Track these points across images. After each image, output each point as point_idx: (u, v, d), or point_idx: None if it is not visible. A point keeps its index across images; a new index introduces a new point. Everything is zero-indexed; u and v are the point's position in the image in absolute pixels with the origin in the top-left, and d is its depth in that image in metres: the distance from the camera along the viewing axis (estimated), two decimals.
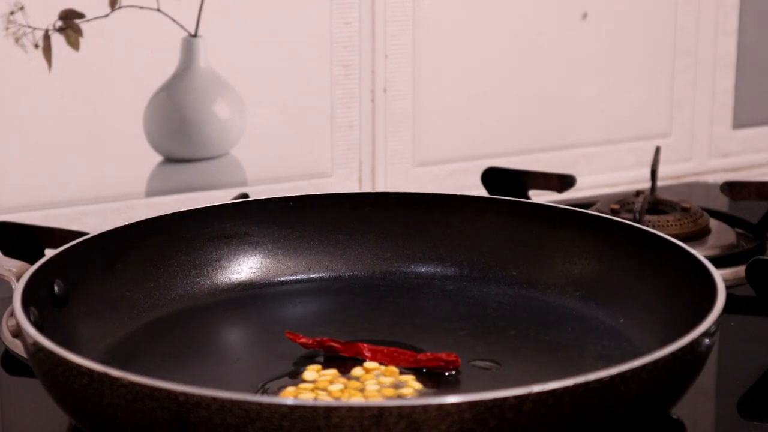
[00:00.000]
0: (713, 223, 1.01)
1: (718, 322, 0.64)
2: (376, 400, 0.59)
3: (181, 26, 1.03)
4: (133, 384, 0.56)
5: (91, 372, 0.58)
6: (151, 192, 1.04)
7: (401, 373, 0.70)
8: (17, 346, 0.77)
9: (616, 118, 1.22)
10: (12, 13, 0.97)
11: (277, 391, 0.68)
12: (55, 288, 0.72)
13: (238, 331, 0.81)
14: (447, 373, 0.70)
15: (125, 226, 0.80)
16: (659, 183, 1.06)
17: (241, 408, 0.54)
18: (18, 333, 0.66)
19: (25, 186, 1.00)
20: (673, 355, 0.60)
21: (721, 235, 1.00)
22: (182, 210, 0.84)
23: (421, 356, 0.71)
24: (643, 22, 1.21)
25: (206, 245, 0.83)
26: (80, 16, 0.99)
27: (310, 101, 1.09)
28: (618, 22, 1.20)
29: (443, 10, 1.12)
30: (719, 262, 0.84)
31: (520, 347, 0.75)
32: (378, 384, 0.68)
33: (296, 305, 0.84)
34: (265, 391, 0.68)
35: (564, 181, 1.05)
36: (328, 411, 0.54)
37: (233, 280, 0.84)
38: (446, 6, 1.12)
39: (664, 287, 0.75)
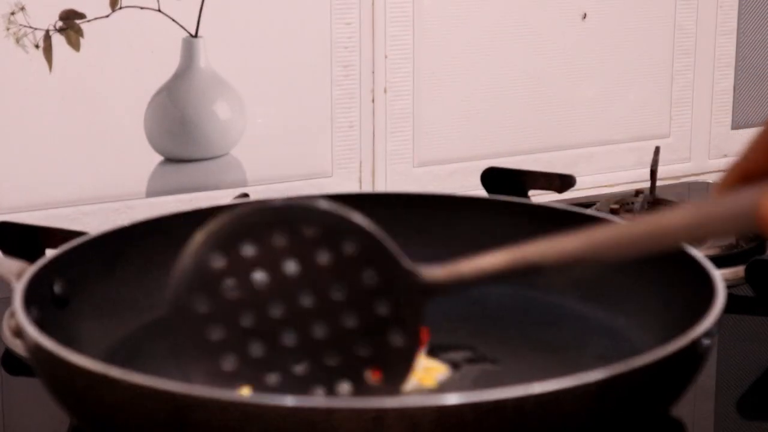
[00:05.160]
0: None
1: (718, 322, 0.64)
2: (377, 401, 0.59)
3: (182, 26, 1.03)
4: (133, 384, 0.56)
5: (91, 372, 0.58)
6: (151, 192, 1.04)
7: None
8: (18, 346, 0.77)
9: (616, 118, 1.22)
10: (13, 13, 0.97)
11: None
12: (55, 288, 0.72)
13: None
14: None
15: (125, 226, 0.80)
16: (659, 183, 1.06)
17: (241, 409, 0.54)
18: (18, 333, 0.66)
19: (25, 186, 1.00)
20: (673, 355, 0.60)
21: None
22: (182, 210, 0.84)
23: None
24: (643, 22, 1.21)
25: None
26: (81, 16, 0.99)
27: (310, 101, 1.09)
28: (618, 22, 1.20)
29: (443, 10, 1.12)
30: (719, 262, 0.84)
31: (520, 347, 0.75)
32: None
33: None
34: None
35: (564, 181, 1.04)
36: (329, 412, 0.54)
37: None
38: (446, 6, 1.12)
39: (664, 287, 0.75)
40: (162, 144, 1.04)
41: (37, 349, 0.62)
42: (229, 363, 0.59)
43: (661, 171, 1.11)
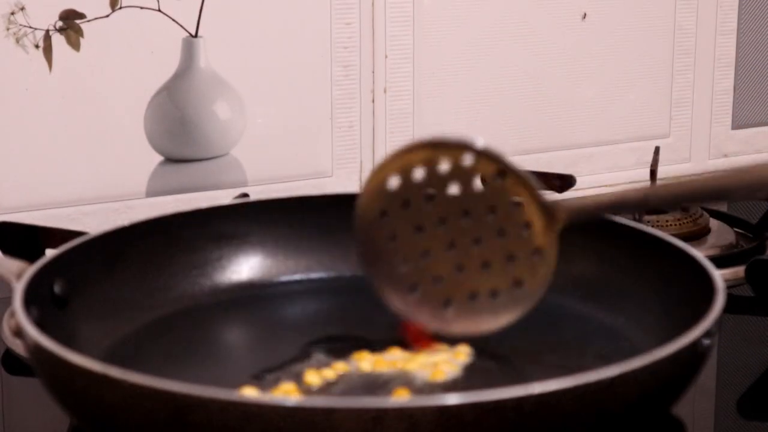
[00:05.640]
0: (713, 223, 1.01)
1: (718, 322, 0.64)
2: (377, 401, 0.59)
3: (182, 26, 1.03)
4: (133, 384, 0.56)
5: (91, 372, 0.58)
6: (151, 192, 1.04)
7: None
8: (18, 346, 0.77)
9: (616, 118, 1.22)
10: (13, 13, 0.97)
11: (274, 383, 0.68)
12: (55, 288, 0.72)
13: (238, 331, 0.81)
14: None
15: (125, 226, 0.80)
16: (659, 183, 1.06)
17: (241, 409, 0.55)
18: (18, 333, 0.66)
19: (25, 186, 1.00)
20: (673, 355, 0.60)
21: (721, 235, 1.00)
22: (182, 210, 0.84)
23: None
24: (643, 22, 1.21)
25: (206, 245, 0.83)
26: (81, 16, 0.99)
27: (310, 101, 1.09)
28: (618, 22, 1.20)
29: (443, 10, 1.12)
30: (719, 262, 0.84)
31: (520, 347, 0.75)
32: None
33: (296, 305, 0.84)
34: (258, 378, 0.69)
35: (564, 181, 1.05)
36: (329, 412, 0.54)
37: (233, 280, 0.84)
38: (446, 6, 1.12)
39: (664, 287, 0.75)
40: (162, 144, 1.04)
41: (37, 349, 0.62)
42: (403, 266, 0.71)
43: (661, 171, 1.11)
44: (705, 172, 1.27)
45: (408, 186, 0.69)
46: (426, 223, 0.70)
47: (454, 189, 0.69)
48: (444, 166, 0.69)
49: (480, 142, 0.69)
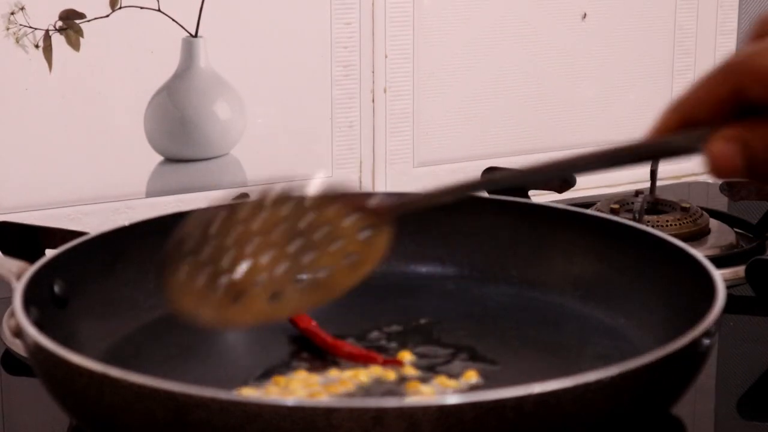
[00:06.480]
0: (713, 223, 1.01)
1: (718, 322, 0.64)
2: (377, 401, 0.59)
3: (182, 26, 1.03)
4: (133, 384, 0.56)
5: (91, 372, 0.58)
6: (151, 192, 1.04)
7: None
8: (18, 346, 0.77)
9: (616, 118, 1.22)
10: (13, 13, 0.97)
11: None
12: (55, 288, 0.72)
13: (238, 332, 0.81)
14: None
15: (125, 226, 0.80)
16: (659, 183, 1.05)
17: (241, 408, 0.55)
18: (18, 333, 0.66)
19: (25, 186, 1.00)
20: (673, 355, 0.60)
21: (721, 235, 1.00)
22: (182, 210, 0.84)
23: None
24: (643, 22, 1.21)
25: None
26: (81, 16, 0.99)
27: (310, 101, 1.09)
28: (618, 22, 1.20)
29: (443, 10, 1.12)
30: (719, 262, 0.84)
31: (520, 347, 0.75)
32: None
33: None
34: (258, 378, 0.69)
35: (564, 181, 1.04)
36: (329, 412, 0.54)
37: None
38: (446, 6, 1.12)
39: (664, 287, 0.75)
40: (162, 144, 1.04)
41: (37, 349, 0.62)
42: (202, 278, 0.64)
43: (661, 171, 1.11)
44: (703, 173, 1.27)
45: (228, 220, 0.65)
46: (243, 251, 0.65)
47: (280, 227, 0.65)
48: (255, 221, 0.65)
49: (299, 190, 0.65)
